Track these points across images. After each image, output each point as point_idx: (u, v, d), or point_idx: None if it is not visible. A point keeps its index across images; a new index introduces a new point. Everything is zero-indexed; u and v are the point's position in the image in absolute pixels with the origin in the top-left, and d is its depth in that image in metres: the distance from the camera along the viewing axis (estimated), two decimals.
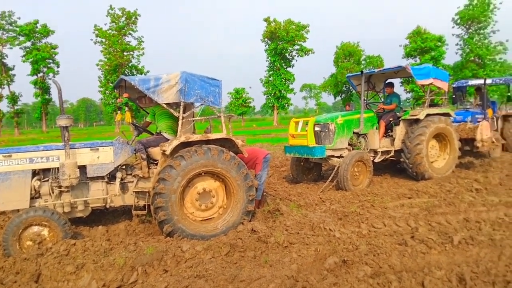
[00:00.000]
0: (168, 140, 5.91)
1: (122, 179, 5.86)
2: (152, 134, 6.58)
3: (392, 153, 9.15)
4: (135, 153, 6.03)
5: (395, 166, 9.76)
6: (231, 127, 6.19)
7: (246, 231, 5.20)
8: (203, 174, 5.62)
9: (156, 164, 5.88)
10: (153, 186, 5.40)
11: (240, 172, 5.67)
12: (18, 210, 5.23)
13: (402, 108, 9.61)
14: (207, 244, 4.91)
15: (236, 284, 3.86)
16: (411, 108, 9.98)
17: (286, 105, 54.38)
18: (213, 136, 5.74)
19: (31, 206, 5.33)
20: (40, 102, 52.28)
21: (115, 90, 7.05)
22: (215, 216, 5.82)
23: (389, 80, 10.07)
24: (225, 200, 5.87)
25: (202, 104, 5.92)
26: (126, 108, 6.10)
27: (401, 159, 8.97)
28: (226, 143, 5.87)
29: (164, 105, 5.62)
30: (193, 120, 6.32)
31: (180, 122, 5.61)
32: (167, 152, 5.42)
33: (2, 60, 51.42)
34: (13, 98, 51.98)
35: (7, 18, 50.84)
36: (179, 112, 5.63)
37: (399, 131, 9.07)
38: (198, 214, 5.74)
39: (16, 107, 53.17)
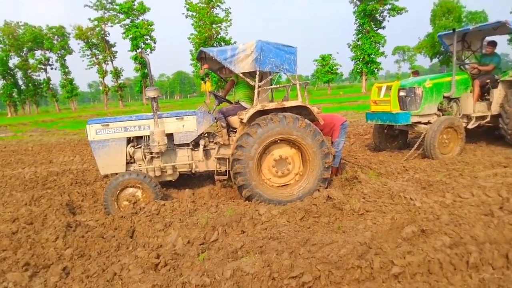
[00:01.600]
0: (246, 108, 6.11)
1: (205, 146, 6.25)
2: (232, 103, 6.84)
3: (488, 119, 8.33)
4: (216, 122, 6.36)
5: (492, 133, 8.87)
6: (307, 95, 6.15)
7: (321, 198, 5.24)
8: (279, 141, 5.73)
9: (236, 132, 6.14)
10: (232, 153, 5.68)
11: (316, 139, 5.67)
12: (116, 174, 5.89)
13: (501, 70, 8.59)
14: (283, 209, 5.07)
15: (308, 247, 3.96)
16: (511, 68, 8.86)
17: (376, 70, 51.62)
18: (289, 104, 5.79)
19: (127, 170, 5.97)
20: (140, 76, 56.50)
21: (198, 62, 7.40)
22: (292, 183, 5.95)
23: (491, 38, 9.02)
24: (301, 167, 5.95)
25: (277, 72, 5.95)
26: (207, 78, 6.38)
27: (499, 125, 8.13)
28: (302, 111, 5.88)
29: (241, 75, 5.79)
30: (270, 89, 6.41)
31: (256, 91, 5.74)
32: (244, 120, 5.62)
33: (105, 38, 56.42)
34: (116, 73, 57.25)
35: None
36: (255, 81, 5.75)
37: (497, 94, 8.18)
38: (275, 180, 5.92)
39: (119, 82, 58.49)
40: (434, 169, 6.80)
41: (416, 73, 13.93)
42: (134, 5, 54.61)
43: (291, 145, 5.85)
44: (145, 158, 6.08)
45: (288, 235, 4.29)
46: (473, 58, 9.51)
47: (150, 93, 5.79)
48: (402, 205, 5.02)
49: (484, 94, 8.55)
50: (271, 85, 6.49)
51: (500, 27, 8.24)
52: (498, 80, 8.27)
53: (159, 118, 5.92)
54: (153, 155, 6.06)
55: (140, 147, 6.12)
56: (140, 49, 54.72)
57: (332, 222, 4.77)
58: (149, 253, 4.05)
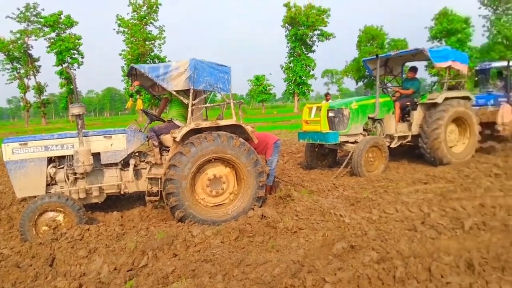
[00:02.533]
0: (179, 127, 5.98)
1: (135, 166, 5.98)
2: (164, 121, 6.66)
3: (409, 138, 8.98)
4: (147, 140, 6.14)
5: (413, 152, 9.57)
6: (242, 114, 6.19)
7: (256, 217, 5.24)
8: (213, 160, 5.67)
9: (168, 151, 5.97)
10: (164, 173, 5.49)
11: (250, 158, 5.69)
12: (35, 197, 5.41)
13: (420, 93, 9.37)
14: (217, 229, 4.99)
15: (242, 268, 3.90)
16: (429, 92, 9.70)
17: (307, 91, 53.89)
18: (223, 122, 5.77)
19: (47, 193, 5.52)
20: (66, 92, 53.48)
21: (129, 79, 7.16)
22: (226, 202, 5.88)
23: (412, 64, 9.82)
24: (235, 186, 5.92)
25: (211, 91, 5.94)
26: (138, 96, 6.19)
27: (419, 144, 8.80)
28: (236, 130, 5.89)
29: (174, 92, 5.68)
30: (204, 107, 6.36)
31: (190, 109, 5.66)
32: (177, 139, 5.49)
33: (28, 51, 52.82)
34: (39, 89, 53.52)
35: (31, 10, 52.03)
36: (189, 99, 5.67)
37: (417, 115, 8.87)
38: (209, 200, 5.82)
39: (42, 97, 54.74)
40: (361, 186, 7.13)
41: (328, 95, 14.91)
42: (60, 18, 51.97)
43: (226, 164, 5.81)
44: (68, 179, 5.67)
45: (222, 257, 4.21)
46: (395, 82, 10.28)
47: (75, 110, 5.46)
48: (332, 221, 5.18)
49: (405, 116, 9.23)
50: (206, 103, 6.44)
51: (418, 54, 9.02)
52: (417, 103, 8.98)
53: (84, 136, 5.58)
54: (77, 175, 5.67)
55: (63, 168, 5.70)
56: (66, 64, 51.94)
57: (266, 241, 4.78)
58: (70, 282, 3.76)
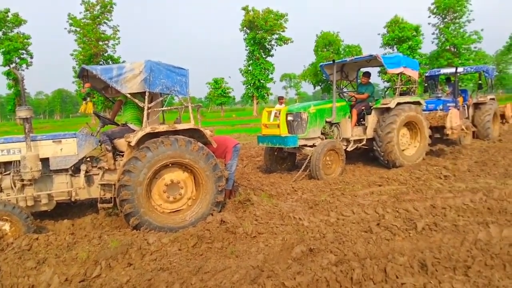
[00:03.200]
0: (134, 131, 5.78)
1: (87, 172, 5.71)
2: (118, 125, 6.42)
3: (364, 142, 9.24)
4: (100, 145, 5.89)
5: (368, 155, 9.86)
6: (200, 117, 6.08)
7: (215, 222, 5.15)
8: (170, 165, 5.52)
9: (123, 156, 5.75)
10: (118, 179, 5.28)
11: (209, 162, 5.60)
12: None
13: (374, 98, 9.68)
14: (174, 236, 4.85)
15: (200, 276, 3.81)
16: (383, 97, 10.06)
17: (266, 95, 54.36)
18: (181, 126, 5.64)
19: None
20: (13, 94, 50.75)
21: (80, 80, 6.85)
22: (184, 208, 5.75)
23: (366, 70, 10.12)
24: (194, 191, 5.80)
25: (168, 94, 5.79)
26: (88, 99, 5.92)
27: (373, 147, 9.07)
28: (195, 134, 5.77)
29: (128, 95, 5.48)
30: (160, 111, 6.20)
31: (145, 113, 5.49)
32: (132, 144, 5.30)
33: None
34: None
35: None
36: (144, 102, 5.50)
37: (371, 119, 9.15)
38: (166, 206, 5.66)
39: None
40: (319, 189, 7.23)
41: (281, 98, 15.22)
42: (7, 16, 49.19)
43: (184, 168, 5.68)
44: (15, 186, 5.32)
45: (179, 265, 4.10)
46: (350, 87, 10.57)
47: (22, 113, 5.15)
48: (291, 225, 5.19)
49: (360, 120, 9.49)
50: (162, 106, 6.28)
51: (372, 60, 9.32)
52: (372, 108, 9.26)
53: (32, 140, 5.26)
54: (25, 182, 5.33)
55: (9, 174, 5.34)
56: (14, 64, 49.21)
57: (225, 247, 4.70)
58: None
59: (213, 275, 3.80)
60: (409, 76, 9.67)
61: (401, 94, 9.61)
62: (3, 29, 49.44)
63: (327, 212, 5.76)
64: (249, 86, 53.40)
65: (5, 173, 5.39)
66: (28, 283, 3.93)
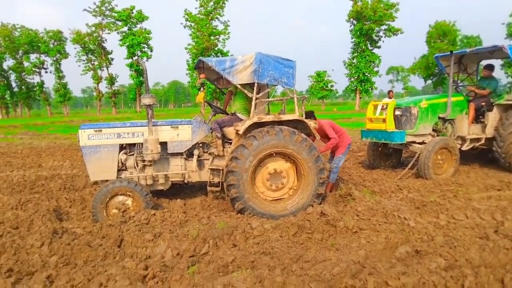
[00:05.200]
0: (242, 120, 6.06)
1: (199, 156, 6.17)
2: (228, 114, 6.78)
3: (482, 141, 8.37)
4: (211, 132, 6.29)
5: (486, 156, 8.91)
6: (304, 109, 6.12)
7: (315, 214, 5.18)
8: (274, 154, 5.68)
9: (231, 143, 6.07)
10: (226, 164, 5.60)
11: (312, 154, 5.62)
12: (106, 181, 5.77)
13: (497, 93, 8.68)
14: (276, 223, 4.99)
15: (301, 264, 3.88)
16: (507, 92, 8.95)
17: (370, 88, 52.07)
18: (285, 117, 5.75)
19: (118, 178, 5.86)
20: (135, 84, 56.33)
21: (195, 71, 7.37)
22: (285, 197, 5.88)
23: (488, 62, 9.13)
24: (295, 181, 5.89)
25: (275, 85, 5.93)
26: (202, 89, 6.35)
27: (493, 148, 8.18)
28: (298, 125, 5.84)
29: (239, 86, 5.75)
30: (267, 101, 6.38)
31: (253, 103, 5.70)
32: (240, 132, 5.56)
33: (102, 44, 56.43)
34: (111, 80, 57.10)
35: (106, 5, 55.41)
36: (253, 93, 5.72)
37: (492, 117, 8.24)
38: (268, 194, 5.84)
39: (113, 88, 58.31)
40: (428, 189, 6.78)
41: (391, 92, 14.39)
42: (132, 13, 54.76)
43: (286, 159, 5.79)
44: (137, 166, 5.97)
45: (280, 251, 4.21)
46: (469, 80, 9.62)
47: (146, 100, 5.72)
48: (396, 224, 4.97)
49: (479, 117, 8.61)
50: (268, 98, 6.47)
51: (496, 51, 8.35)
52: (494, 104, 8.34)
53: (153, 125, 5.84)
54: (146, 163, 5.95)
55: (133, 155, 6.02)
56: (136, 57, 54.68)
57: (325, 239, 4.70)
58: (137, 264, 3.93)
59: (313, 265, 3.84)
60: None
61: None
62: (128, 25, 55.09)
63: (436, 214, 5.40)
64: (352, 79, 51.70)
65: (129, 154, 6.06)
66: (145, 253, 4.42)
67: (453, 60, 8.45)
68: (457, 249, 4.13)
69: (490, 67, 8.85)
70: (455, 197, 6.15)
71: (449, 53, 8.54)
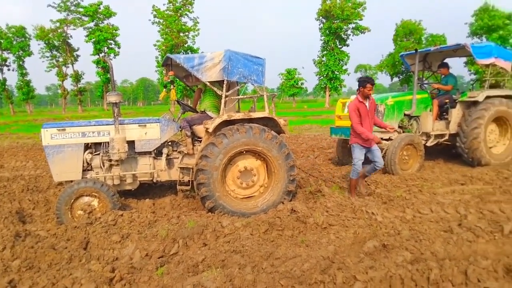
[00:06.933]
0: (212, 118, 6.01)
1: (168, 155, 6.08)
2: (197, 112, 6.71)
3: (446, 137, 8.67)
4: (180, 130, 6.21)
5: (450, 151, 9.23)
6: (274, 107, 6.14)
7: (285, 211, 5.21)
8: (244, 152, 5.67)
9: (201, 142, 6.02)
10: (196, 163, 5.55)
11: (282, 151, 5.65)
12: (71, 181, 5.59)
13: (459, 90, 9.00)
14: (247, 221, 4.98)
15: (271, 261, 3.89)
16: (469, 89, 9.30)
17: (339, 86, 52.95)
18: (255, 114, 5.75)
19: (83, 178, 5.69)
20: (102, 81, 54.86)
21: (164, 69, 7.25)
22: (256, 195, 5.88)
23: (444, 61, 9.46)
24: (266, 179, 5.91)
25: (245, 83, 5.92)
26: (172, 86, 6.26)
27: (457, 144, 8.48)
28: (269, 122, 5.86)
29: (208, 83, 5.70)
30: (237, 99, 6.36)
31: (223, 101, 5.67)
32: (210, 130, 5.52)
33: (67, 40, 54.58)
34: (77, 77, 55.29)
35: (72, 0, 53.60)
36: (222, 91, 5.68)
37: (455, 113, 8.54)
38: (239, 192, 5.84)
39: (79, 85, 56.52)
40: (394, 184, 6.95)
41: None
42: (99, 8, 53.25)
43: (257, 156, 5.80)
44: (104, 165, 5.82)
45: (251, 249, 4.21)
46: (433, 78, 9.93)
47: (112, 98, 5.58)
48: (364, 219, 5.07)
49: (443, 113, 8.91)
50: (238, 95, 6.44)
51: (459, 50, 8.66)
52: (457, 101, 8.65)
53: (120, 124, 5.70)
54: (112, 162, 5.81)
55: (99, 154, 5.86)
56: (103, 53, 53.27)
57: (295, 235, 4.74)
58: (104, 266, 3.84)
59: (284, 262, 3.86)
60: (501, 68, 8.83)
61: (490, 87, 8.83)
62: (94, 20, 53.54)
63: (402, 208, 5.54)
64: (322, 77, 52.41)
65: (95, 153, 5.91)
66: (112, 255, 4.31)
67: (418, 58, 8.71)
68: (423, 243, 4.26)
69: (445, 65, 9.13)
70: (420, 191, 6.33)
71: (414, 51, 8.79)
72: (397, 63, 52.10)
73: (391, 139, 8.12)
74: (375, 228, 4.79)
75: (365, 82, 5.87)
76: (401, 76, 54.86)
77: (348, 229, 4.78)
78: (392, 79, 57.89)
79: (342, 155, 9.32)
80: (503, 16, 45.03)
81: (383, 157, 7.84)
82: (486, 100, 8.28)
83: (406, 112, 8.45)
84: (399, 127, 8.48)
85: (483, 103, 8.24)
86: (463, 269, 3.45)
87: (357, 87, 6.03)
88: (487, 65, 8.67)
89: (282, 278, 3.48)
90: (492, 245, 4.16)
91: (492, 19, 45.10)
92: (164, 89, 6.18)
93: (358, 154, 6.13)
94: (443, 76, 9.27)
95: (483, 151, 8.17)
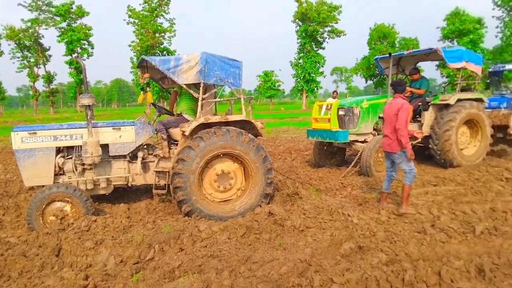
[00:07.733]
0: (188, 121, 5.95)
1: (143, 159, 5.97)
2: (173, 115, 6.63)
3: (419, 139, 8.86)
4: (156, 133, 6.12)
5: (423, 153, 9.45)
6: (251, 109, 6.13)
7: (263, 214, 5.21)
8: (221, 155, 5.63)
9: (177, 145, 5.94)
10: (172, 166, 5.47)
11: (259, 154, 5.64)
12: (43, 186, 5.41)
13: (432, 93, 9.24)
14: (224, 225, 4.95)
15: (249, 265, 3.87)
16: (441, 92, 9.55)
17: (315, 88, 53.58)
18: (232, 117, 5.73)
19: (55, 183, 5.52)
20: (75, 82, 53.70)
21: (139, 70, 7.13)
22: (233, 198, 5.85)
23: (415, 66, 9.70)
24: (243, 182, 5.88)
25: (222, 86, 5.89)
26: (148, 89, 6.16)
27: (429, 146, 8.69)
28: (246, 125, 5.84)
29: (184, 86, 5.64)
30: (213, 102, 6.31)
31: (199, 103, 5.62)
32: (186, 133, 5.46)
33: (38, 40, 53.07)
34: (49, 78, 53.81)
35: None
36: (199, 93, 5.63)
37: (428, 116, 8.75)
38: (216, 195, 5.79)
39: (51, 87, 55.04)
40: (370, 186, 7.06)
41: (335, 92, 14.98)
42: (72, 8, 52.06)
43: (234, 159, 5.77)
44: (76, 169, 5.66)
45: (228, 253, 4.18)
46: (407, 81, 10.15)
47: (85, 100, 5.44)
48: (340, 221, 5.13)
49: (416, 116, 9.11)
50: (215, 98, 6.40)
51: (432, 53, 8.88)
52: (429, 103, 8.86)
53: (93, 127, 5.57)
54: (86, 166, 5.66)
55: (71, 158, 5.70)
56: (76, 54, 52.09)
57: (273, 238, 4.74)
58: (77, 273, 3.74)
59: (261, 266, 3.85)
60: (471, 71, 9.11)
61: (461, 90, 9.10)
62: (67, 20, 52.29)
63: (377, 210, 5.63)
64: (299, 79, 52.90)
65: (67, 157, 5.73)
66: (86, 262, 4.20)
67: (391, 61, 8.88)
68: (397, 244, 4.34)
69: (416, 70, 9.32)
70: (394, 193, 6.45)
71: (387, 55, 8.97)
72: (371, 66, 53.13)
73: (367, 141, 8.25)
74: (351, 230, 4.84)
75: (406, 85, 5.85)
76: (375, 79, 55.94)
77: (325, 231, 4.81)
78: (367, 81, 58.99)
79: (319, 157, 9.41)
80: (473, 21, 46.62)
81: (359, 159, 7.98)
82: (458, 103, 8.52)
83: (381, 115, 8.59)
84: (374, 129, 8.62)
85: (455, 106, 8.48)
86: (437, 270, 3.52)
87: (398, 91, 5.82)
88: (459, 69, 8.93)
89: (259, 282, 3.47)
90: (465, 245, 4.28)
91: (463, 24, 46.61)
92: (142, 92, 6.06)
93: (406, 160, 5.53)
94: (412, 81, 9.48)
95: (455, 153, 8.40)
